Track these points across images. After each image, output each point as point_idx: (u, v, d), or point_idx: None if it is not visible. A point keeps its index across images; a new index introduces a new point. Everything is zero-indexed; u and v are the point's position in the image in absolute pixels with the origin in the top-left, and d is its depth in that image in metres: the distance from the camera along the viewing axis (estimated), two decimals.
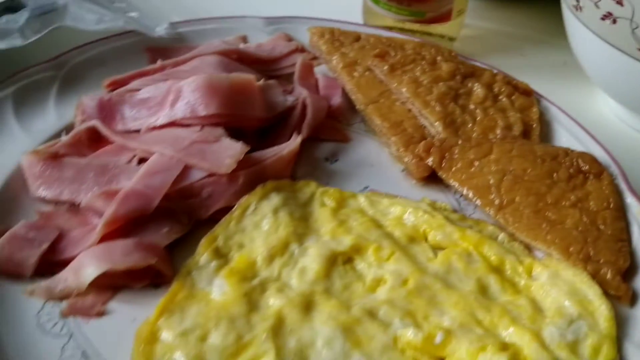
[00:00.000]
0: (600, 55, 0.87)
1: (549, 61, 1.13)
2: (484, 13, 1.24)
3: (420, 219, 0.76)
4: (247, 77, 0.81)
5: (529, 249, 0.75)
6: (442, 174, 0.81)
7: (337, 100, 0.92)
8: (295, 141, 0.81)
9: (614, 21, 0.90)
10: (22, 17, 0.87)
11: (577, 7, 0.89)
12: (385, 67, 0.90)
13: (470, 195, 0.79)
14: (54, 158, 0.75)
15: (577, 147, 0.84)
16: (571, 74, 1.07)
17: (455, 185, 0.80)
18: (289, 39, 1.01)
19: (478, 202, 0.78)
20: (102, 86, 0.87)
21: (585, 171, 0.79)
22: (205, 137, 0.76)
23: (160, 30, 0.95)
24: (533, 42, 1.18)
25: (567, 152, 0.81)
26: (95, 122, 0.78)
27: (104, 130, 0.78)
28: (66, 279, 0.67)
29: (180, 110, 0.78)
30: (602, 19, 0.84)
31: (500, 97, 0.89)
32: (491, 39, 1.19)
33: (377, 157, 0.87)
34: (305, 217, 0.76)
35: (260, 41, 1.01)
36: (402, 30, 1.05)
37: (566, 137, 0.86)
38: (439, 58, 0.92)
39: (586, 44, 0.90)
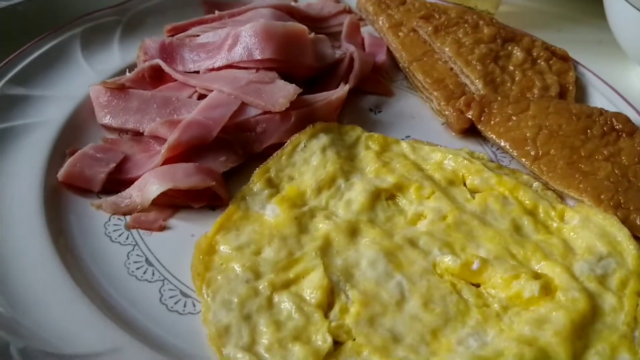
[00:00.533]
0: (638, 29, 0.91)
1: (585, 38, 1.17)
2: None
3: (459, 164, 0.80)
4: (300, 26, 0.86)
5: (561, 197, 0.79)
6: (481, 126, 0.86)
7: (382, 57, 0.97)
8: (343, 89, 0.85)
9: None
10: None
11: None
12: (430, 28, 0.94)
13: (507, 147, 0.83)
14: (120, 89, 0.80)
15: (611, 109, 0.88)
16: (606, 52, 1.11)
17: (493, 137, 0.85)
18: (337, 0, 1.06)
19: (514, 153, 0.83)
20: (164, 31, 0.93)
21: (619, 129, 0.83)
22: (261, 78, 0.81)
23: None
24: (570, 20, 1.22)
25: (602, 111, 0.85)
26: (159, 61, 0.84)
27: (166, 68, 0.83)
28: (131, 195, 0.72)
29: (237, 54, 0.84)
30: None
31: (539, 61, 0.93)
32: (528, 16, 1.24)
33: (418, 110, 0.92)
34: (351, 157, 0.81)
35: (309, 1, 1.06)
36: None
37: (600, 100, 0.90)
38: (481, 22, 0.96)
39: (625, 18, 0.94)
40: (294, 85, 0.80)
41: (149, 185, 0.71)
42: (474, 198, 0.77)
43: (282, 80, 0.81)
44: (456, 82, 0.91)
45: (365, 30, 1.03)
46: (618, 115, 0.85)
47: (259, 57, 0.83)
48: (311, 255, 0.67)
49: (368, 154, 0.81)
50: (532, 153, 0.82)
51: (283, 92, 0.80)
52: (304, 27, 0.86)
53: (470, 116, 0.86)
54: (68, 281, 0.63)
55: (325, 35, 0.98)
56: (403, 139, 0.86)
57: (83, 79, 0.86)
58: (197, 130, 0.75)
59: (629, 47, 1.00)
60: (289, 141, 0.80)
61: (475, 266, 0.68)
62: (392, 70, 0.98)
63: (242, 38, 0.84)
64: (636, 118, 0.87)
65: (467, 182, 0.79)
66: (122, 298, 0.64)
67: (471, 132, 0.88)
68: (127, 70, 0.87)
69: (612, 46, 1.04)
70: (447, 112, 0.88)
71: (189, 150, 0.76)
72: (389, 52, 0.98)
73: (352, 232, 0.71)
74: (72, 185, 0.74)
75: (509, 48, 0.94)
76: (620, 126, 0.83)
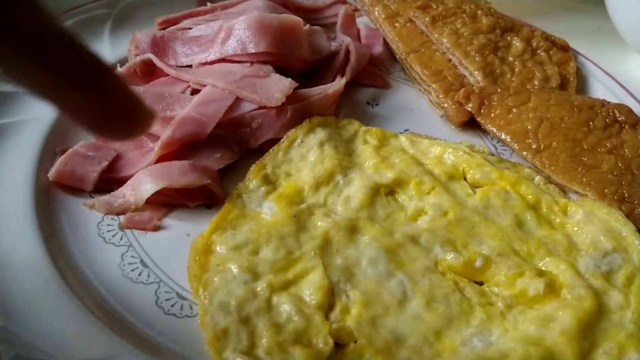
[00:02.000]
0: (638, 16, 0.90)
1: (583, 26, 1.15)
2: None
3: (459, 158, 0.79)
4: (295, 18, 0.84)
5: (563, 191, 0.78)
6: (480, 119, 0.84)
7: (378, 49, 0.95)
8: (340, 82, 0.83)
9: None
10: None
11: None
12: (427, 19, 0.93)
13: (508, 139, 0.82)
14: None
15: (613, 100, 0.87)
16: (606, 40, 1.09)
17: (494, 130, 0.83)
18: None
19: (515, 146, 0.81)
20: (155, 24, 0.90)
21: (621, 121, 0.82)
22: (255, 72, 0.79)
23: None
24: (568, 8, 1.21)
25: (604, 103, 0.83)
26: (150, 55, 0.82)
27: (158, 62, 0.81)
28: (125, 194, 0.71)
29: (231, 47, 0.81)
30: None
31: (539, 52, 0.91)
32: (526, 4, 1.21)
33: (416, 103, 0.90)
34: (349, 152, 0.79)
35: None
36: None
37: (602, 90, 0.89)
38: (479, 12, 0.94)
39: (624, 6, 0.92)
40: (289, 79, 0.78)
41: (143, 184, 0.69)
42: (475, 193, 0.76)
43: (277, 74, 0.79)
44: (455, 73, 0.89)
45: (361, 21, 1.01)
46: (620, 107, 0.83)
47: (253, 51, 0.81)
48: (310, 255, 0.66)
49: (366, 149, 0.80)
50: (534, 146, 0.80)
51: (278, 87, 0.78)
52: (299, 19, 0.84)
53: (469, 109, 0.84)
54: (60, 285, 0.61)
55: (320, 26, 0.97)
56: (401, 133, 0.85)
57: None
58: (191, 126, 0.74)
59: (629, 35, 0.98)
60: (285, 136, 0.78)
61: (478, 264, 0.67)
62: (389, 61, 0.96)
63: (236, 31, 0.81)
64: (638, 109, 0.85)
65: (468, 177, 0.78)
66: (117, 302, 0.62)
67: (471, 124, 0.86)
68: (119, 64, 0.85)
69: (611, 34, 1.03)
70: (446, 105, 0.86)
71: (183, 148, 0.74)
72: (386, 43, 0.96)
73: (352, 229, 0.69)
74: (64, 185, 0.72)
75: (508, 38, 0.92)
76: (623, 118, 0.82)
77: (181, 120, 0.73)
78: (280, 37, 0.82)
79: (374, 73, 0.93)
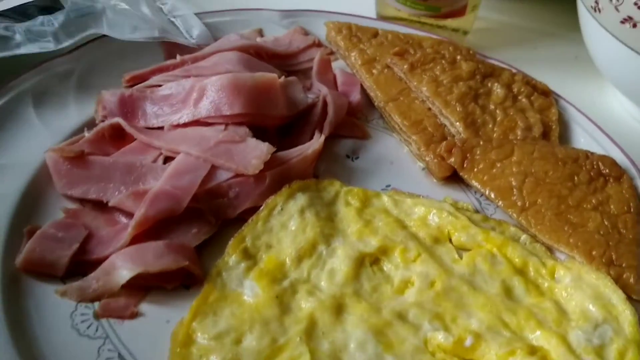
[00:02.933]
0: (617, 56, 0.88)
1: (560, 54, 1.15)
2: (495, 5, 1.24)
3: (444, 220, 0.77)
4: (270, 76, 0.80)
5: (550, 250, 0.76)
6: (463, 174, 0.82)
7: (356, 96, 0.92)
8: (318, 140, 0.81)
9: (634, 25, 0.91)
10: (57, 19, 0.85)
11: (596, 9, 0.89)
12: (405, 66, 0.90)
13: (493, 196, 0.80)
14: (79, 156, 0.74)
15: (595, 147, 0.85)
16: (583, 68, 1.09)
17: (477, 186, 0.81)
18: (305, 32, 1.01)
19: (500, 203, 0.80)
20: (122, 81, 0.86)
21: (606, 174, 0.80)
22: (231, 137, 0.76)
23: (197, 38, 0.94)
24: (545, 35, 1.20)
25: (588, 155, 0.82)
26: (120, 120, 0.78)
27: (128, 128, 0.77)
28: (98, 279, 0.67)
29: (204, 109, 0.78)
30: (622, 22, 0.85)
31: (520, 98, 0.90)
32: (503, 32, 1.20)
33: (396, 153, 0.88)
34: (330, 217, 0.77)
35: (275, 34, 1.00)
36: (414, 22, 1.05)
37: (584, 137, 0.88)
38: (458, 57, 0.92)
39: (603, 45, 0.91)
40: (266, 144, 0.75)
41: (117, 269, 0.66)
42: (461, 258, 0.74)
43: (254, 139, 0.76)
44: (435, 123, 0.87)
45: (337, 66, 0.97)
46: (604, 159, 0.82)
47: (228, 113, 0.78)
48: (296, 341, 0.63)
49: (349, 212, 0.77)
50: (519, 203, 0.78)
51: (256, 152, 0.75)
52: (274, 77, 0.81)
53: (452, 163, 0.82)
54: None
55: (295, 72, 0.94)
56: (383, 189, 0.82)
57: (38, 140, 0.79)
58: (165, 202, 0.70)
59: (606, 71, 0.97)
60: (264, 205, 0.75)
61: (468, 342, 0.65)
62: (367, 108, 0.93)
63: (209, 92, 0.78)
64: (620, 157, 0.84)
65: (453, 239, 0.76)
66: None
67: (454, 177, 0.84)
68: (85, 128, 0.81)
69: (588, 61, 1.02)
70: (427, 159, 0.84)
71: (158, 224, 0.70)
72: (363, 89, 0.93)
73: (338, 308, 0.67)
74: (33, 271, 0.68)
75: (489, 85, 0.90)
76: (607, 170, 0.81)
77: (155, 196, 0.70)
78: (255, 97, 0.79)
79: (353, 123, 0.90)
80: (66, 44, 0.85)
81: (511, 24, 1.21)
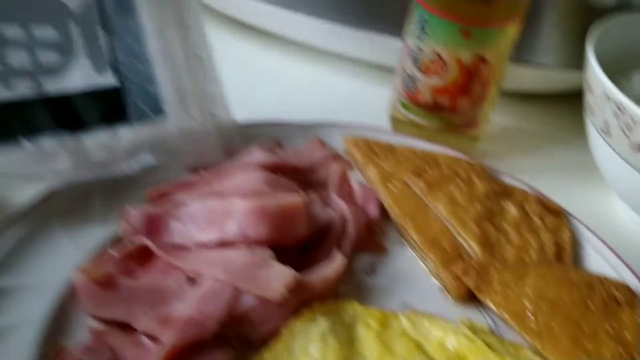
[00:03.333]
0: (628, 179, 0.91)
1: (568, 160, 1.19)
2: (503, 109, 1.29)
3: (461, 344, 0.78)
4: (294, 200, 0.83)
5: None
6: (480, 295, 0.84)
7: (374, 211, 0.94)
8: (339, 262, 0.83)
9: None
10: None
11: (607, 132, 0.93)
12: (423, 185, 0.93)
13: (508, 319, 0.82)
14: (107, 279, 0.76)
15: (607, 269, 0.88)
16: (588, 176, 1.14)
17: (493, 308, 0.83)
18: (323, 144, 1.04)
19: (515, 327, 0.81)
20: (147, 197, 0.89)
21: (620, 301, 0.82)
22: (256, 262, 0.78)
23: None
24: (554, 141, 1.24)
25: (602, 280, 0.84)
26: (148, 242, 0.80)
27: (156, 250, 0.80)
28: None
29: (230, 232, 0.81)
30: (631, 149, 0.88)
31: (533, 217, 0.92)
32: (510, 137, 1.25)
33: (413, 269, 0.90)
34: (351, 340, 0.78)
35: (292, 145, 1.04)
36: (425, 131, 1.09)
37: (596, 260, 0.90)
38: (473, 176, 0.95)
39: (614, 166, 0.94)
40: (291, 270, 0.77)
41: None
42: None
43: (279, 265, 0.78)
44: (452, 241, 0.90)
45: (354, 178, 1.00)
46: (619, 286, 0.84)
47: (254, 237, 0.80)
48: None
49: (368, 335, 0.79)
50: (534, 328, 0.80)
51: (280, 278, 0.77)
52: (299, 201, 0.83)
53: (468, 284, 0.84)
54: None
55: (313, 184, 0.97)
56: (400, 308, 0.84)
57: (64, 258, 0.81)
58: (193, 330, 0.72)
59: (616, 189, 1.00)
60: (286, 328, 0.77)
61: None
62: (384, 221, 0.96)
63: (235, 216, 0.81)
64: (632, 280, 0.86)
65: None
66: None
67: (470, 297, 0.86)
68: (111, 244, 0.83)
69: (594, 169, 1.07)
70: (443, 277, 0.86)
71: (184, 350, 0.72)
72: (380, 202, 0.96)
73: None
74: None
75: (503, 204, 0.93)
76: (621, 296, 0.83)
77: (184, 324, 0.72)
78: (281, 222, 0.81)
79: (371, 239, 0.92)
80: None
81: (517, 128, 1.26)
